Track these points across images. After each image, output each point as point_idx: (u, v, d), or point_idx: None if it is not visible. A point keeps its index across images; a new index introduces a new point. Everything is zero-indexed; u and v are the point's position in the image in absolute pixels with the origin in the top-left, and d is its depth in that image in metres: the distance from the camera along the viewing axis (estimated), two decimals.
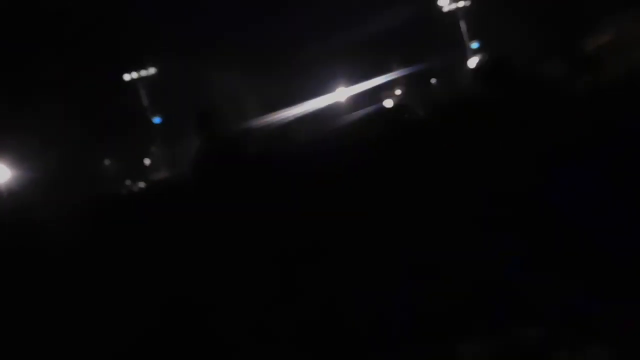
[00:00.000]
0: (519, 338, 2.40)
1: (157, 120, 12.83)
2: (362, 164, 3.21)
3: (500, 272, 2.76)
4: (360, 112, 3.54)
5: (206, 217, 3.28)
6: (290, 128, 3.77)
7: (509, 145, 2.95)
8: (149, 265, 3.22)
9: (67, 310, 3.02)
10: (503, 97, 3.06)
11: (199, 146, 3.54)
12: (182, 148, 3.95)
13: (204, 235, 3.27)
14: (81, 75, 11.32)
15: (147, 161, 11.34)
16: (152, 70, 13.12)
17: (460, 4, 15.72)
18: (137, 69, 13.18)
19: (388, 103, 4.12)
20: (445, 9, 16.00)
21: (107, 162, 8.96)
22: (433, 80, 12.94)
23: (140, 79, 13.20)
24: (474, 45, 14.86)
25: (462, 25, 15.61)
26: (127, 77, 13.15)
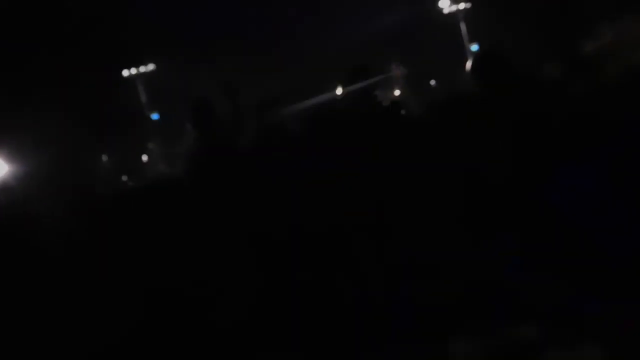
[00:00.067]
0: (512, 337, 2.40)
1: (155, 116, 12.82)
2: (358, 161, 3.20)
3: (494, 270, 2.76)
4: (356, 109, 3.51)
5: (201, 212, 3.26)
6: (288, 122, 3.73)
7: (505, 142, 2.94)
8: (145, 262, 3.22)
9: (63, 306, 3.03)
10: (497, 91, 3.05)
11: (194, 140, 3.51)
12: (181, 145, 3.93)
13: (199, 232, 3.26)
14: (78, 71, 11.30)
15: (144, 158, 11.33)
16: (150, 67, 13.12)
17: (461, 6, 15.75)
18: (135, 65, 13.17)
19: (385, 101, 4.11)
20: (446, 11, 16.03)
21: (104, 158, 8.94)
22: (432, 82, 12.95)
23: (139, 75, 13.19)
24: (474, 47, 14.89)
25: (462, 27, 15.64)
26: (125, 73, 13.14)
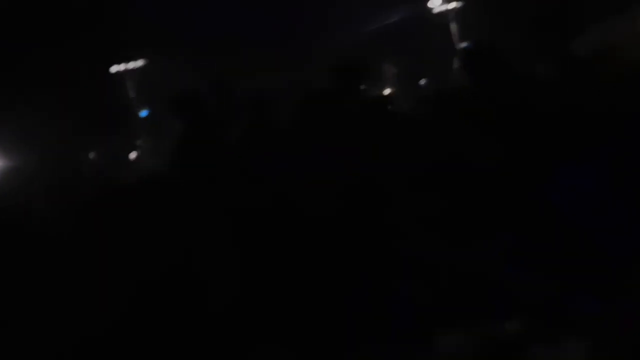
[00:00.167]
0: (498, 333, 2.40)
1: (144, 113, 12.76)
2: (347, 156, 3.18)
3: (484, 267, 2.76)
4: (344, 104, 3.49)
5: (186, 208, 3.23)
6: (277, 117, 3.70)
7: (495, 137, 2.94)
8: (131, 258, 3.19)
9: (51, 302, 3.00)
10: (486, 84, 3.04)
11: (179, 134, 3.45)
12: (171, 142, 3.89)
13: (183, 227, 3.23)
14: (65, 67, 11.23)
15: (133, 155, 11.27)
16: (139, 63, 13.05)
17: (451, 6, 15.78)
18: (124, 61, 13.10)
19: (372, 96, 4.12)
20: (436, 10, 16.06)
21: (91, 155, 8.86)
22: (423, 81, 12.97)
23: (128, 71, 13.13)
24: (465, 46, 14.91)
25: (453, 26, 15.67)
26: (114, 69, 13.07)
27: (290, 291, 2.95)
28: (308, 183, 3.18)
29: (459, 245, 2.83)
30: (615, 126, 2.78)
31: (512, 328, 2.36)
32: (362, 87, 3.60)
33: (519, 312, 2.49)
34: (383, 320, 2.76)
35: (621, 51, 3.08)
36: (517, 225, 2.77)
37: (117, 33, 12.09)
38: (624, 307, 2.28)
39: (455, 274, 2.75)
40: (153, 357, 2.84)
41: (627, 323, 2.22)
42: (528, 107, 3.03)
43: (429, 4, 16.02)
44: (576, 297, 2.42)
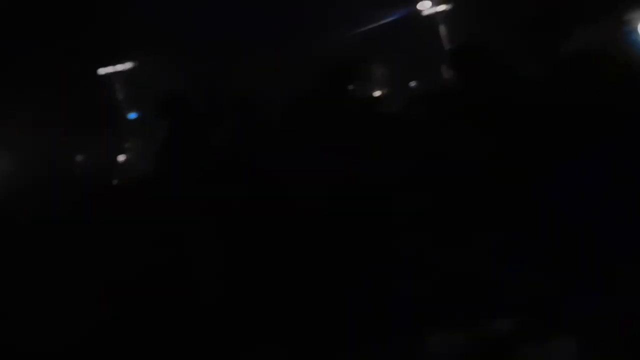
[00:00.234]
0: (489, 331, 2.40)
1: (132, 115, 12.68)
2: (339, 155, 3.17)
3: (476, 265, 2.75)
4: (334, 105, 3.47)
5: (173, 209, 3.20)
6: (268, 118, 3.68)
7: (483, 134, 2.93)
8: (117, 259, 3.17)
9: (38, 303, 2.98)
10: (475, 81, 3.04)
11: (165, 135, 3.39)
12: (158, 143, 3.87)
13: (171, 228, 3.20)
14: (53, 68, 11.14)
15: (121, 158, 11.20)
16: (128, 65, 12.97)
17: (440, 8, 15.82)
18: (114, 63, 13.02)
19: (362, 97, 4.11)
20: (425, 12, 16.09)
21: (79, 158, 8.80)
22: (413, 83, 12.99)
23: (117, 73, 13.05)
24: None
25: (443, 28, 15.70)
26: (103, 71, 12.98)
27: (285, 290, 2.94)
28: (298, 183, 3.16)
29: (451, 245, 2.83)
30: (606, 125, 2.78)
31: (504, 327, 2.35)
32: (351, 87, 3.59)
33: (511, 311, 2.49)
34: (377, 319, 2.75)
35: (608, 52, 3.10)
36: (511, 224, 2.76)
37: (108, 34, 12.02)
38: (624, 305, 2.27)
39: (448, 273, 2.74)
40: (147, 353, 2.83)
41: (627, 321, 2.22)
42: (517, 106, 3.03)
43: (419, 6, 16.06)
44: (575, 295, 2.41)
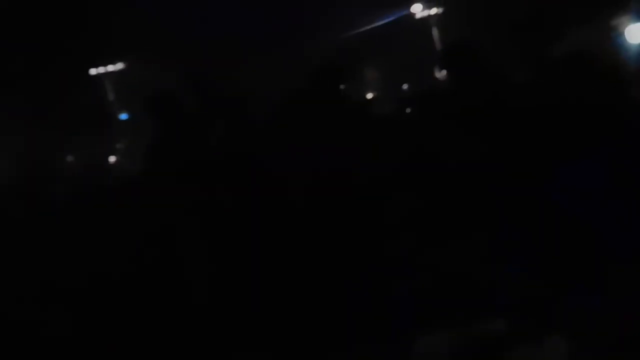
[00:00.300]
0: (479, 332, 2.39)
1: (123, 116, 12.61)
2: (329, 154, 3.15)
3: (467, 265, 2.75)
4: (325, 105, 3.46)
5: (162, 209, 3.18)
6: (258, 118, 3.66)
7: (476, 135, 2.93)
8: (104, 259, 3.15)
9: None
10: (467, 83, 3.04)
11: (153, 135, 3.34)
12: (146, 143, 3.83)
13: (159, 229, 3.18)
14: (44, 68, 11.07)
15: (112, 159, 11.14)
16: (119, 66, 12.90)
17: (433, 11, 15.85)
18: (104, 63, 12.96)
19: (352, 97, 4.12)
20: (418, 15, 16.12)
21: (69, 158, 8.74)
22: (405, 86, 13.00)
23: (108, 73, 12.98)
24: None
25: (435, 31, 15.74)
26: (94, 71, 12.91)
27: (277, 291, 2.93)
28: (289, 182, 3.14)
29: (444, 245, 2.82)
30: (595, 126, 2.80)
31: (497, 328, 2.34)
32: (342, 87, 3.57)
33: (504, 311, 2.48)
34: (370, 319, 2.74)
35: (597, 55, 3.12)
36: (504, 224, 2.76)
37: (100, 34, 11.95)
38: (624, 304, 2.28)
39: (441, 273, 2.73)
40: (138, 352, 2.81)
41: (627, 320, 2.22)
42: (507, 106, 3.04)
43: (411, 10, 16.09)
44: (572, 295, 2.41)
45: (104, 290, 2.98)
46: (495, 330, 2.43)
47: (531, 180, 2.88)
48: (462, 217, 2.93)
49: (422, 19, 15.79)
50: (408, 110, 3.82)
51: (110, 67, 12.88)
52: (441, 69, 3.40)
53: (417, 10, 16.08)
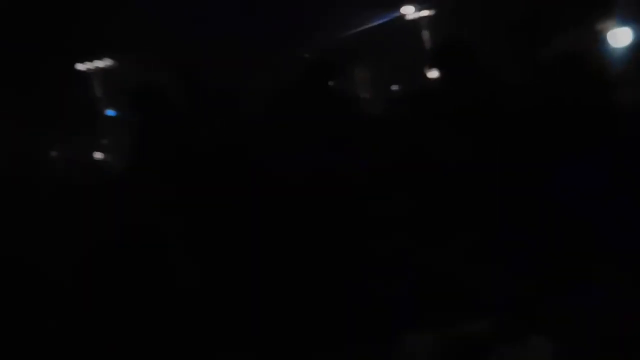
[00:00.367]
0: (464, 332, 2.39)
1: (110, 112, 12.51)
2: (318, 151, 3.13)
3: (451, 265, 2.74)
4: (314, 101, 3.43)
5: (146, 206, 3.13)
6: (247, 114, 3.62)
7: (468, 135, 2.91)
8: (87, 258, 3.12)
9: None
10: (458, 79, 3.02)
11: (135, 132, 3.27)
12: (130, 139, 3.79)
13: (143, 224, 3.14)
14: (29, 62, 10.97)
15: (98, 155, 11.05)
16: (107, 62, 12.81)
17: (423, 13, 15.89)
18: (90, 59, 12.86)
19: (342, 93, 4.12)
20: (409, 17, 16.15)
21: (53, 154, 8.65)
22: (395, 87, 13.01)
23: (96, 69, 12.89)
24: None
25: (425, 33, 15.77)
26: (80, 67, 12.81)
27: (259, 288, 2.91)
28: (277, 178, 3.12)
29: (429, 245, 2.81)
30: (582, 127, 2.81)
31: (482, 328, 2.33)
32: (331, 83, 3.54)
33: (489, 312, 2.47)
34: (353, 320, 2.73)
35: (582, 58, 3.15)
36: (491, 224, 2.75)
37: (87, 29, 11.88)
38: (624, 303, 2.28)
39: (425, 274, 2.72)
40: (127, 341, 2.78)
41: (628, 318, 2.23)
42: (497, 106, 3.03)
43: (402, 11, 16.12)
44: (559, 294, 2.41)
45: (86, 288, 2.95)
46: (480, 331, 2.43)
47: (521, 180, 2.88)
48: (449, 218, 2.92)
49: (413, 21, 15.82)
50: (399, 109, 3.81)
51: (98, 63, 12.79)
52: (433, 66, 3.39)
53: (408, 11, 16.11)
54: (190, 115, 3.55)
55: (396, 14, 17.11)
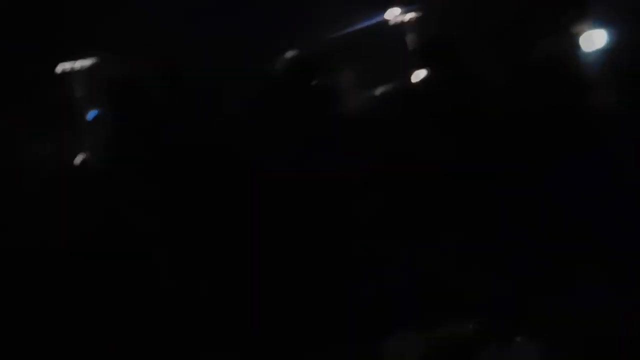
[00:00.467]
0: (450, 333, 2.37)
1: (92, 114, 12.39)
2: (301, 148, 3.11)
3: (437, 266, 2.73)
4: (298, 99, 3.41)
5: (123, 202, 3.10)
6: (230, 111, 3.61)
7: (453, 134, 2.91)
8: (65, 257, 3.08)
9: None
10: (441, 76, 3.03)
11: (112, 129, 3.23)
12: (107, 135, 3.74)
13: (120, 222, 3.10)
14: (10, 64, 10.84)
15: (79, 157, 10.93)
16: (88, 62, 12.69)
17: (407, 17, 15.93)
18: (71, 60, 12.74)
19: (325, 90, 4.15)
20: (392, 21, 16.20)
21: (34, 153, 8.54)
22: (380, 90, 13.03)
23: (77, 70, 12.77)
24: None
25: (409, 37, 15.81)
26: (60, 68, 12.68)
27: (241, 289, 2.89)
28: (257, 176, 3.10)
29: (414, 246, 2.80)
30: (559, 130, 2.83)
31: (467, 329, 2.31)
32: (314, 82, 3.54)
33: (475, 313, 2.46)
34: (338, 321, 2.71)
35: (559, 62, 3.19)
36: (477, 225, 2.75)
37: (69, 30, 11.76)
38: (624, 302, 2.28)
39: (410, 275, 2.71)
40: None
41: (628, 317, 2.22)
42: (479, 106, 3.05)
43: (386, 15, 16.17)
44: (545, 295, 2.40)
45: (63, 286, 2.91)
46: (466, 332, 2.42)
47: (507, 180, 2.88)
48: (434, 218, 2.92)
49: (398, 24, 15.87)
50: (383, 109, 3.82)
51: (79, 63, 12.68)
52: (418, 62, 3.40)
53: (393, 14, 16.16)
54: (171, 112, 3.51)
55: (382, 17, 17.17)
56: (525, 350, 2.33)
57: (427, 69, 3.52)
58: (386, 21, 18.03)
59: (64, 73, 13.58)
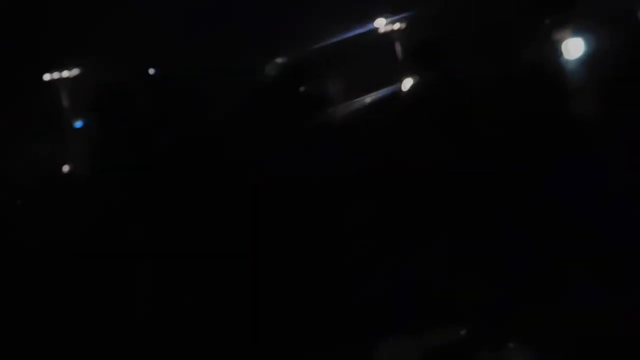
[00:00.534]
0: (440, 338, 2.38)
1: (78, 124, 12.31)
2: (289, 154, 3.11)
3: (428, 271, 2.74)
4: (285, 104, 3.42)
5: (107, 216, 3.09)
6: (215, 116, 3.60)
7: (446, 135, 2.92)
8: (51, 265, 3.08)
9: None
10: (429, 78, 3.07)
11: (96, 135, 3.21)
12: (92, 143, 3.73)
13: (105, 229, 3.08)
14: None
15: (66, 167, 10.89)
16: (75, 71, 12.62)
17: (396, 26, 16.06)
18: (58, 69, 12.67)
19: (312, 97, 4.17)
20: (381, 30, 16.32)
21: (19, 164, 8.53)
22: (369, 98, 13.12)
23: (62, 79, 12.69)
24: None
25: (398, 46, 15.93)
26: (47, 77, 12.60)
27: (231, 293, 2.89)
28: (247, 184, 3.11)
29: (405, 252, 2.80)
30: (542, 136, 2.90)
31: (459, 334, 2.31)
32: (302, 89, 3.55)
33: (466, 318, 2.46)
34: (330, 326, 2.72)
35: (542, 69, 3.27)
36: (467, 230, 2.75)
37: (55, 38, 11.70)
38: (624, 301, 2.28)
39: (403, 281, 2.71)
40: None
41: (628, 317, 2.22)
42: (466, 110, 3.10)
43: (375, 24, 16.29)
44: (537, 301, 2.40)
45: (50, 297, 2.92)
46: (457, 337, 2.42)
47: (494, 186, 2.91)
48: (426, 224, 2.93)
49: (386, 32, 16.00)
50: (371, 114, 3.86)
51: (66, 73, 12.60)
52: (407, 65, 3.45)
53: (381, 24, 16.29)
54: (157, 118, 3.50)
55: (371, 26, 17.30)
56: (517, 355, 2.33)
57: (416, 74, 3.55)
58: (375, 29, 18.20)
59: (52, 80, 13.52)
